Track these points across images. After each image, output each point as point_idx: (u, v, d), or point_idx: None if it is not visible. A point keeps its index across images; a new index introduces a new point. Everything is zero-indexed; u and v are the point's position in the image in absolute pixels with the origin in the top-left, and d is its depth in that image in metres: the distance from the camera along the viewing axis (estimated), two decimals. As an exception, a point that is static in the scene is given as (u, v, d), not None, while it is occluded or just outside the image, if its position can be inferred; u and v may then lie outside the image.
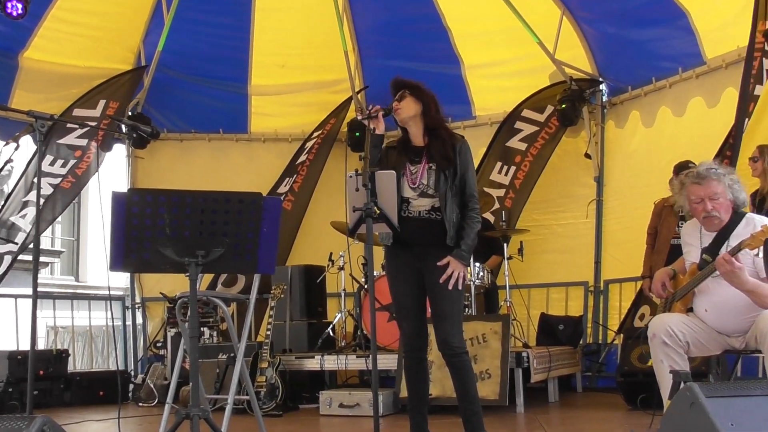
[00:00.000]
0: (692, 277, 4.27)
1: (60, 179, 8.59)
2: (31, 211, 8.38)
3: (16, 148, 4.78)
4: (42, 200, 8.33)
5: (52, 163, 8.54)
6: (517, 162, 8.80)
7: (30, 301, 4.08)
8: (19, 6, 7.22)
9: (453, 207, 4.26)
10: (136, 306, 9.63)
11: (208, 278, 8.51)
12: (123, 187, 9.76)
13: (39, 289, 4.18)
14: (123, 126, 9.14)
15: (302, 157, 9.56)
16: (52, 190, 8.49)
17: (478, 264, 7.09)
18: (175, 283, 8.34)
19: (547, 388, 6.91)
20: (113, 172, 11.06)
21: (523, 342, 7.11)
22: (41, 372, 7.42)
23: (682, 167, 6.00)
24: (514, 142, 8.84)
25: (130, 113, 9.36)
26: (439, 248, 4.25)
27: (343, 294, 7.84)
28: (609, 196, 8.62)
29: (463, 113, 9.44)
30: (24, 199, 8.47)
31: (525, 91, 8.90)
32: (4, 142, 4.98)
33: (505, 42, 8.82)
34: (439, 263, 4.21)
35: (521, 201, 8.80)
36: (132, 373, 8.74)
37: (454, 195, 4.28)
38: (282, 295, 7.06)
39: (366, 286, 7.48)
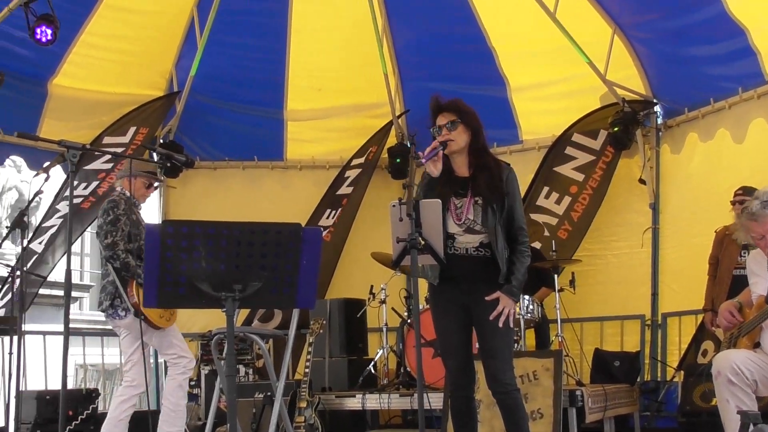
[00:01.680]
0: (760, 311, 4.21)
1: (81, 199, 8.67)
2: (46, 236, 8.46)
3: (47, 179, 4.87)
4: (61, 221, 8.41)
5: (75, 187, 8.62)
6: (574, 193, 8.71)
7: (58, 338, 4.12)
8: (49, 32, 7.35)
9: (504, 242, 4.26)
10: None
11: (243, 313, 8.54)
12: (154, 218, 9.88)
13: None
14: (155, 155, 9.32)
15: (344, 189, 9.60)
16: (68, 210, 8.53)
17: (527, 297, 7.04)
18: (209, 318, 8.41)
19: (603, 428, 6.81)
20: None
21: (576, 379, 7.03)
22: (70, 412, 7.46)
23: (747, 191, 5.93)
24: (567, 170, 8.78)
25: (161, 141, 9.48)
26: (488, 284, 4.25)
27: (384, 329, 7.82)
28: (666, 224, 8.52)
29: (509, 138, 9.42)
30: (44, 225, 8.58)
31: (574, 114, 8.87)
32: (35, 173, 5.07)
33: (553, 62, 8.80)
34: (487, 298, 4.20)
35: (579, 235, 8.67)
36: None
37: (502, 228, 4.27)
38: (321, 331, 7.05)
39: (409, 320, 7.46)
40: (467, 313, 4.31)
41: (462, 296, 4.28)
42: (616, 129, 8.47)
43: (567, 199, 8.74)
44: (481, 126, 4.41)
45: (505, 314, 4.20)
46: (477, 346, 4.39)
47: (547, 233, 8.41)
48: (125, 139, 8.99)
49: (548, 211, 8.75)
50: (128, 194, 5.86)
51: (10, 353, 5.60)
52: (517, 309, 6.58)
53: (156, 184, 6.02)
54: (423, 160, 4.11)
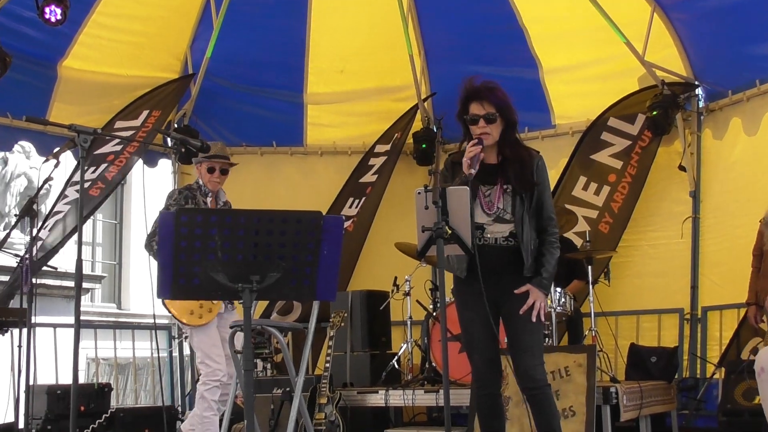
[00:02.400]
0: (806, 305, 4.18)
1: (89, 184, 8.71)
2: (52, 222, 8.51)
3: (57, 165, 4.91)
4: (68, 207, 8.47)
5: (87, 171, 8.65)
6: (612, 182, 8.65)
7: (69, 330, 4.15)
8: (58, 11, 7.39)
9: (530, 233, 4.26)
10: (184, 336, 9.74)
11: (261, 306, 8.58)
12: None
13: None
14: (169, 140, 9.37)
15: (369, 177, 9.60)
16: (77, 195, 8.56)
17: (558, 289, 7.03)
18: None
19: (639, 427, 6.79)
20: (158, 190, 11.26)
21: (610, 376, 7.00)
22: (82, 408, 7.55)
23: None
24: (604, 157, 8.71)
25: (176, 125, 9.53)
26: (516, 277, 4.26)
27: (409, 322, 7.83)
28: (707, 213, 8.46)
29: (541, 122, 9.39)
30: (58, 218, 8.64)
31: (610, 97, 8.81)
32: (44, 159, 5.11)
33: (589, 43, 8.75)
34: (517, 291, 4.21)
35: (620, 226, 8.61)
36: (180, 409, 8.85)
37: (531, 218, 4.27)
38: (342, 324, 7.09)
39: (435, 313, 7.47)
40: (494, 307, 4.32)
41: (489, 289, 4.28)
42: (654, 113, 8.40)
43: (606, 189, 8.66)
44: (516, 117, 4.40)
45: (537, 308, 4.21)
46: (505, 340, 4.40)
47: (586, 226, 8.34)
48: (137, 123, 9.04)
49: (587, 204, 8.67)
50: (200, 182, 5.90)
51: (20, 346, 5.66)
52: (549, 302, 6.56)
53: (218, 167, 5.90)
54: (473, 170, 4.08)
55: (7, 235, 5.67)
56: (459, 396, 6.62)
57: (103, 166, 8.76)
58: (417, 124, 9.81)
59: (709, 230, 8.42)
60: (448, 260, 4.40)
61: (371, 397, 7.19)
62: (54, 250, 8.35)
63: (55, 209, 8.62)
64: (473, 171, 4.10)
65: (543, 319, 4.28)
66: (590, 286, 7.41)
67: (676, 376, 7.71)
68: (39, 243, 8.28)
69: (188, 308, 5.62)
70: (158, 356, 6.51)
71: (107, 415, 7.62)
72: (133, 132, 8.85)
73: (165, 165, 9.99)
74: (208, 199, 5.89)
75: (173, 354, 9.85)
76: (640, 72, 8.61)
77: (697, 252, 8.43)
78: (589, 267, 7.41)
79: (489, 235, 4.29)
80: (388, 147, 9.67)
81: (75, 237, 8.32)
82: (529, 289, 4.24)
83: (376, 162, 9.67)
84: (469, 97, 4.36)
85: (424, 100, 9.66)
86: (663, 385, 7.27)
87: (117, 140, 8.72)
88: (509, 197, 4.30)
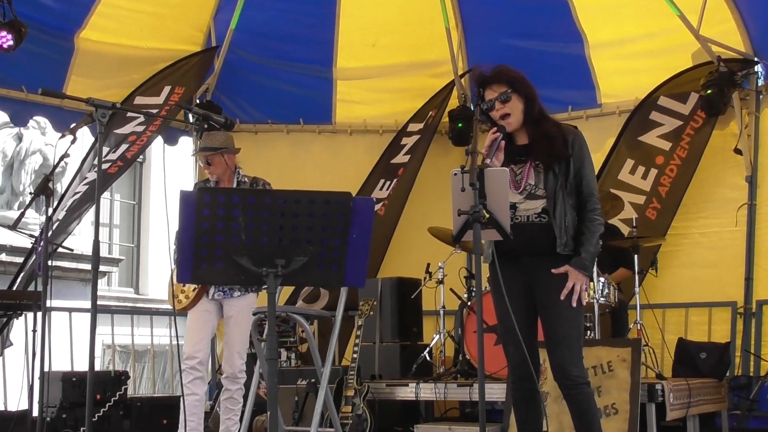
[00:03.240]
0: None
1: (108, 164, 8.79)
2: (69, 201, 8.59)
3: (73, 141, 4.95)
4: (86, 188, 8.54)
5: (105, 154, 8.71)
6: (660, 164, 8.58)
7: (85, 315, 4.19)
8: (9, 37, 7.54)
9: (565, 209, 4.24)
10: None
11: (286, 293, 8.62)
12: (189, 186, 9.98)
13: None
14: (191, 116, 9.41)
15: (401, 158, 9.60)
16: (95, 176, 8.62)
17: (602, 278, 7.00)
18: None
19: (686, 427, 6.77)
20: (178, 169, 11.34)
21: (656, 372, 6.98)
22: (98, 396, 7.64)
23: None
24: (653, 139, 8.65)
25: (198, 101, 9.57)
26: (551, 258, 4.24)
27: (442, 312, 7.84)
28: (764, 200, 8.37)
29: (585, 100, 9.33)
30: (75, 197, 8.71)
31: (662, 74, 8.73)
32: (60, 135, 5.15)
33: (639, 15, 8.68)
34: (555, 271, 4.19)
35: (669, 213, 8.54)
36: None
37: (567, 195, 4.26)
38: (371, 312, 7.11)
39: (469, 303, 7.47)
40: (530, 294, 4.31)
41: (523, 273, 4.27)
42: (709, 91, 8.32)
43: (653, 173, 8.60)
44: (535, 91, 4.39)
45: (577, 291, 4.19)
46: (542, 332, 4.39)
47: (633, 213, 8.29)
48: (159, 100, 9.06)
49: (634, 188, 8.61)
50: None
51: (34, 330, 5.73)
52: (591, 292, 6.54)
53: (207, 159, 6.07)
54: (488, 160, 4.08)
55: (21, 215, 5.72)
56: (494, 390, 6.63)
57: (124, 146, 8.82)
58: (453, 102, 9.78)
59: (766, 218, 8.34)
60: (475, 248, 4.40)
61: (401, 391, 7.22)
62: (69, 231, 8.44)
63: (75, 189, 8.70)
64: (488, 161, 4.08)
65: (584, 303, 4.26)
66: (636, 276, 7.38)
67: (727, 374, 7.67)
68: (55, 224, 8.37)
69: (175, 291, 5.89)
70: (178, 344, 6.54)
71: (111, 404, 7.72)
72: (156, 111, 8.89)
73: (186, 143, 10.05)
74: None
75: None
76: (694, 47, 8.52)
77: (752, 241, 8.35)
78: (635, 256, 7.37)
79: (521, 214, 4.29)
80: (421, 126, 9.66)
81: (92, 218, 8.44)
82: (568, 270, 4.22)
83: (409, 141, 9.67)
84: (479, 85, 4.41)
85: (461, 76, 9.63)
86: (713, 384, 7.24)
87: (138, 120, 8.78)
88: (540, 173, 4.29)
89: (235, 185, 5.98)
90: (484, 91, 4.38)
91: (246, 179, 6.05)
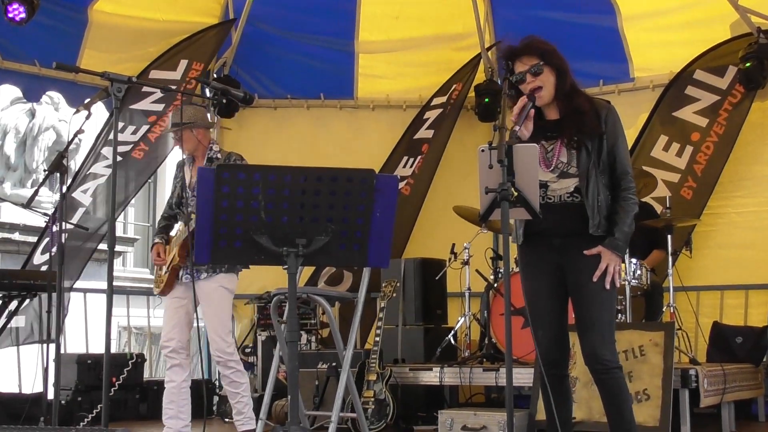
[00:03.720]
0: None
1: (130, 147, 8.83)
2: (93, 185, 8.66)
3: (88, 117, 4.97)
4: (109, 171, 8.60)
5: (121, 130, 8.75)
6: (695, 141, 8.53)
7: (100, 296, 4.22)
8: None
9: (597, 188, 4.22)
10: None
11: (306, 273, 8.65)
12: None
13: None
14: (207, 90, 9.44)
15: (424, 132, 9.58)
16: (120, 159, 8.68)
17: (635, 260, 6.98)
18: (267, 278, 8.55)
19: (721, 414, 6.75)
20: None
21: (690, 357, 6.96)
22: (114, 379, 7.73)
23: None
24: (688, 114, 8.59)
25: (215, 75, 9.58)
26: (583, 239, 4.23)
27: (467, 294, 7.84)
28: (805, 178, 8.34)
29: (618, 74, 9.27)
30: (88, 172, 8.77)
31: (698, 47, 8.66)
32: (74, 111, 5.17)
33: (674, -16, 8.62)
34: (587, 252, 4.18)
35: (705, 192, 8.49)
36: (217, 383, 8.97)
37: (600, 173, 4.24)
38: (394, 294, 7.12)
39: (496, 284, 7.47)
40: (561, 276, 4.30)
41: (554, 255, 4.26)
42: (748, 64, 8.25)
43: (689, 150, 8.54)
44: (567, 64, 4.35)
45: (610, 273, 4.18)
46: (573, 315, 4.39)
47: (667, 192, 8.25)
48: (176, 75, 9.10)
49: (668, 166, 8.57)
50: None
51: (48, 311, 5.78)
52: (623, 273, 6.52)
53: (173, 134, 6.11)
54: (517, 128, 4.05)
55: (35, 193, 5.76)
56: (521, 375, 6.63)
57: (145, 127, 8.86)
58: (480, 76, 9.74)
59: (807, 197, 8.31)
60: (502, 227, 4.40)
61: (424, 375, 7.23)
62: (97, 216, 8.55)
63: (92, 171, 8.74)
64: (518, 128, 4.05)
65: (617, 285, 4.25)
66: (670, 258, 7.35)
67: (764, 360, 7.63)
68: (81, 209, 8.47)
69: (155, 279, 6.05)
70: (198, 325, 6.56)
71: (120, 383, 7.81)
72: (173, 86, 8.90)
73: (203, 118, 10.06)
74: (186, 168, 6.08)
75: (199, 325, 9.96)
76: (732, 18, 8.44)
77: (791, 221, 8.33)
78: (669, 236, 7.35)
79: (553, 194, 4.28)
80: (445, 99, 9.62)
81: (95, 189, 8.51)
82: (601, 251, 4.21)
83: (431, 115, 9.64)
84: (508, 58, 4.36)
85: (488, 49, 9.58)
86: (749, 369, 7.21)
87: (155, 97, 8.81)
88: (572, 150, 4.27)
89: (205, 162, 5.95)
90: (513, 63, 4.33)
91: (219, 155, 6.00)
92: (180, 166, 6.13)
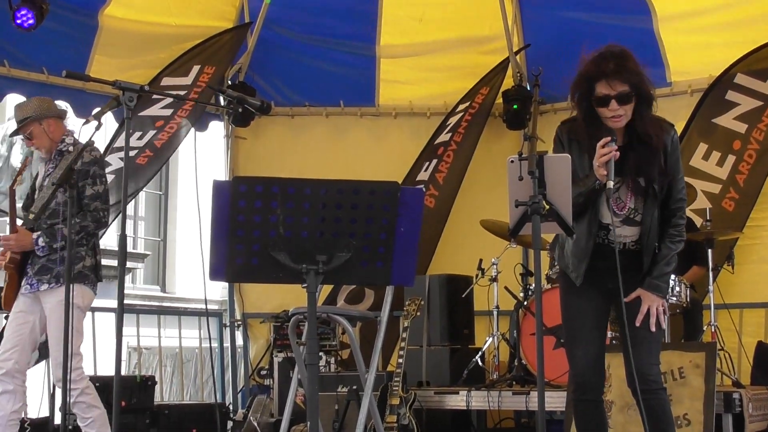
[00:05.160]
0: None
1: (136, 152, 8.84)
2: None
3: (98, 127, 4.99)
4: (112, 177, 8.61)
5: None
6: (737, 149, 8.49)
7: (109, 315, 4.22)
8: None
9: (655, 233, 4.27)
10: (236, 324, 9.88)
11: (325, 291, 8.65)
12: (221, 174, 10.06)
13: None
14: (222, 99, 9.46)
15: (444, 137, 9.58)
16: (121, 164, 8.69)
17: (673, 276, 6.95)
18: (284, 297, 8.56)
19: (767, 441, 6.73)
20: (209, 156, 11.40)
21: (733, 379, 6.93)
22: (123, 403, 7.72)
23: None
24: (728, 121, 8.54)
25: (230, 82, 9.61)
26: (640, 273, 4.30)
27: (495, 312, 7.83)
28: None
29: (654, 78, 8.81)
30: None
31: (738, 49, 8.62)
32: (84, 121, 5.19)
33: (713, -16, 8.61)
34: (626, 299, 4.18)
35: (748, 203, 8.44)
36: (231, 407, 8.99)
37: (657, 212, 4.25)
38: (418, 313, 7.10)
39: (526, 303, 7.45)
40: (607, 297, 4.30)
41: (609, 280, 4.22)
42: (793, 67, 8.24)
43: (731, 159, 8.48)
44: (653, 92, 4.25)
45: (653, 314, 4.21)
46: (609, 335, 4.39)
47: (708, 203, 8.22)
48: (188, 81, 9.13)
49: (708, 176, 8.51)
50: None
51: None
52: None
53: (22, 135, 6.04)
54: (612, 181, 3.97)
55: (45, 206, 5.79)
56: (553, 399, 6.60)
57: (152, 132, 8.89)
58: (508, 81, 9.72)
59: None
60: (562, 255, 4.40)
61: (450, 399, 7.22)
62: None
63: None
64: (612, 182, 3.99)
65: (663, 325, 4.28)
66: (710, 273, 7.31)
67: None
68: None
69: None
70: (211, 345, 6.59)
71: (150, 411, 7.80)
72: (184, 92, 8.94)
73: (216, 128, 10.11)
74: (41, 166, 6.04)
75: (224, 344, 9.99)
76: (775, 19, 8.44)
77: (839, 234, 8.28)
78: (710, 251, 7.31)
79: (615, 238, 4.26)
80: (472, 106, 9.60)
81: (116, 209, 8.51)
82: (640, 293, 4.24)
83: (453, 120, 9.62)
84: (596, 75, 4.19)
85: (517, 52, 9.57)
86: (797, 392, 7.17)
87: (165, 103, 8.84)
88: (640, 195, 4.25)
89: (54, 156, 5.89)
90: (596, 81, 4.19)
91: (71, 148, 5.86)
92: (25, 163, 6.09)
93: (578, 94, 4.25)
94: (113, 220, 8.39)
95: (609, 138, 4.07)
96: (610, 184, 4.00)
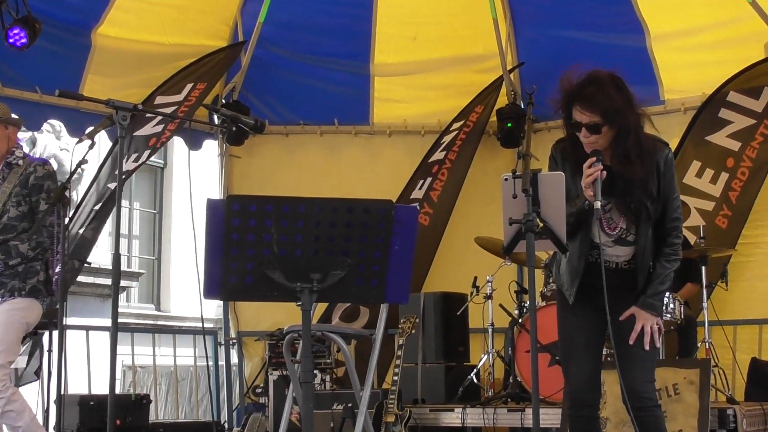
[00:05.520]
0: None
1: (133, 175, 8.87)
2: (90, 216, 8.68)
3: (91, 146, 5.00)
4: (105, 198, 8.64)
5: (125, 161, 8.80)
6: (731, 167, 8.52)
7: (103, 334, 4.22)
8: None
9: (649, 252, 4.24)
10: (231, 342, 9.86)
11: (320, 309, 8.64)
12: (214, 193, 10.06)
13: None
14: (216, 118, 9.48)
15: (438, 155, 9.59)
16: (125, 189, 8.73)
17: (668, 293, 6.95)
18: (278, 315, 8.56)
19: (762, 458, 6.72)
20: (203, 174, 11.42)
21: (727, 396, 6.93)
22: (118, 422, 7.69)
23: None
24: (721, 138, 8.57)
25: (224, 101, 9.62)
26: (632, 293, 4.30)
27: (490, 330, 7.84)
28: None
29: (648, 97, 8.90)
30: (95, 207, 8.79)
31: (731, 67, 8.65)
32: (77, 140, 5.20)
33: (706, 3, 8.63)
34: (621, 318, 4.19)
35: (740, 220, 8.46)
36: (226, 425, 8.97)
37: (651, 231, 4.25)
38: (413, 331, 7.10)
39: (521, 320, 7.45)
40: (602, 315, 4.30)
41: (601, 299, 4.22)
42: (785, 85, 8.27)
43: (724, 176, 8.50)
44: (634, 120, 4.18)
45: (647, 333, 4.20)
46: (604, 351, 4.39)
47: (702, 221, 8.24)
48: (180, 98, 9.13)
49: (702, 194, 8.53)
50: None
51: (50, 351, 5.79)
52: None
53: None
54: (598, 203, 3.97)
55: (38, 225, 5.78)
56: (548, 416, 6.61)
57: (146, 153, 8.90)
58: (502, 99, 9.77)
59: None
60: (558, 272, 4.40)
61: (446, 416, 7.22)
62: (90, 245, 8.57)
63: (97, 207, 8.78)
64: (599, 202, 3.99)
65: (657, 344, 4.26)
66: (704, 290, 7.32)
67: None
68: (76, 240, 8.48)
69: None
70: (207, 364, 6.58)
71: (146, 430, 7.77)
72: (175, 108, 8.95)
73: (211, 147, 10.11)
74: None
75: (219, 363, 9.97)
76: (767, 37, 8.45)
77: (833, 251, 8.29)
78: (703, 268, 7.32)
79: (608, 258, 4.27)
80: (466, 125, 9.62)
81: (110, 228, 8.53)
82: (635, 312, 4.24)
83: (447, 138, 9.63)
84: (569, 98, 4.20)
85: (511, 71, 9.61)
86: (792, 408, 7.17)
87: (157, 120, 8.84)
88: (632, 215, 4.25)
89: (1, 167, 5.80)
90: (572, 105, 4.19)
91: (20, 162, 5.80)
92: None
93: (562, 115, 4.26)
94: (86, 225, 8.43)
95: (594, 158, 4.07)
96: (597, 204, 3.99)
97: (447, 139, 9.64)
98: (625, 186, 4.20)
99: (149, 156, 9.01)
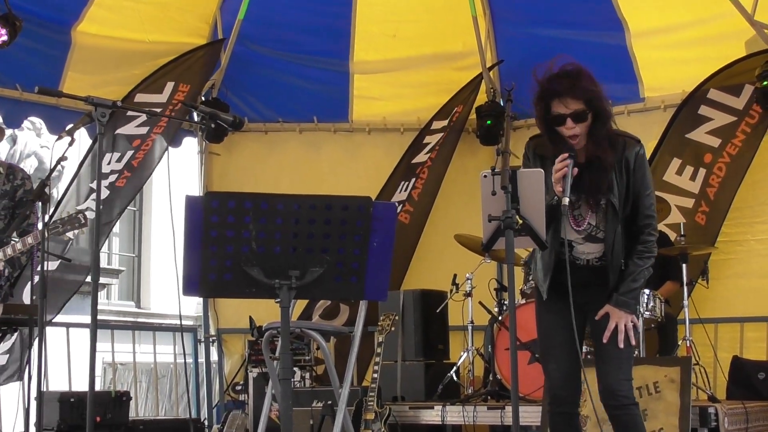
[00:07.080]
0: None
1: (116, 176, 8.83)
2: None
3: (71, 143, 4.98)
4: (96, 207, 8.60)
5: (107, 159, 8.76)
6: (708, 163, 8.54)
7: (83, 331, 4.21)
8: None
9: (620, 248, 4.26)
10: (211, 339, 9.85)
11: (299, 306, 8.63)
12: (195, 190, 10.03)
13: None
14: (195, 115, 9.45)
15: (422, 157, 9.60)
16: (108, 193, 8.71)
17: (647, 291, 6.97)
18: (258, 312, 8.52)
19: (742, 455, 6.74)
20: (182, 171, 11.38)
21: (708, 394, 6.94)
22: (98, 418, 7.67)
23: None
24: (701, 135, 8.59)
25: (203, 98, 9.60)
26: (606, 288, 4.31)
27: (470, 327, 7.83)
28: (826, 203, 8.35)
29: (627, 94, 9.27)
30: (80, 207, 8.75)
31: (711, 65, 8.67)
32: (57, 137, 5.18)
33: (685, 1, 8.65)
34: (596, 318, 4.21)
35: (719, 217, 8.47)
36: (206, 422, 8.96)
37: (622, 228, 4.25)
38: (392, 328, 7.09)
39: (501, 317, 7.45)
40: (580, 312, 4.31)
41: (577, 296, 4.24)
42: (765, 83, 8.26)
43: (702, 172, 8.53)
44: (610, 109, 4.27)
45: (621, 331, 4.21)
46: (585, 350, 4.40)
47: (682, 218, 8.25)
48: (162, 98, 9.11)
49: (681, 191, 8.54)
50: None
51: (30, 348, 5.76)
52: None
53: None
54: (566, 199, 3.98)
55: (19, 222, 5.76)
56: (528, 414, 6.61)
57: (129, 153, 8.87)
58: (481, 97, 9.77)
59: (829, 223, 8.31)
60: (536, 269, 4.41)
61: (425, 414, 7.21)
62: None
63: (83, 206, 8.74)
64: (567, 198, 4.00)
65: (633, 342, 4.27)
66: (685, 288, 7.34)
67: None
68: (68, 245, 8.45)
69: None
70: (185, 361, 6.57)
71: (125, 427, 7.75)
72: (159, 108, 8.92)
73: (190, 144, 10.09)
74: None
75: (198, 360, 9.95)
76: (748, 34, 8.46)
77: (814, 248, 8.32)
78: (684, 265, 7.34)
79: (579, 255, 4.30)
80: (446, 123, 9.64)
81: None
82: (608, 310, 4.26)
83: (432, 140, 9.65)
84: (548, 94, 4.21)
85: (490, 68, 9.62)
86: (772, 406, 7.20)
87: (140, 120, 8.83)
88: (601, 211, 4.27)
89: None
90: (551, 99, 4.21)
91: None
92: None
93: (537, 113, 4.26)
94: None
95: (566, 154, 4.09)
96: (566, 200, 4.00)
97: (432, 140, 9.63)
98: (591, 182, 4.23)
99: (133, 157, 8.95)
